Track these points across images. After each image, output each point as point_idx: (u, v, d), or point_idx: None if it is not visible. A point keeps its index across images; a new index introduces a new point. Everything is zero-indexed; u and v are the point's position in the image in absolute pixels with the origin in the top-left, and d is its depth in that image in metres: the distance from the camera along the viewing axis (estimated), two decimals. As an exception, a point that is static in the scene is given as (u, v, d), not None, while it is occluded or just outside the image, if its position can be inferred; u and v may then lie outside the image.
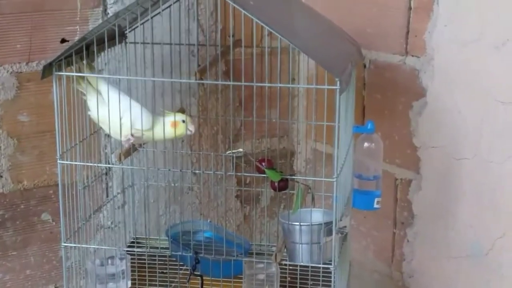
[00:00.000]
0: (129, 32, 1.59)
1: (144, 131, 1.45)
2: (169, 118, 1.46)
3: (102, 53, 1.54)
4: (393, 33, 1.80)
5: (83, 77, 1.45)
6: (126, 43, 1.62)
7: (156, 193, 1.85)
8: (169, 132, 1.45)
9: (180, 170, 1.48)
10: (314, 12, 1.64)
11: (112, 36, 1.46)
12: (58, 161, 1.45)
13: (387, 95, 1.85)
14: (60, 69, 1.41)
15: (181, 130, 1.46)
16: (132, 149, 1.48)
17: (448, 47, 1.68)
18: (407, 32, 1.77)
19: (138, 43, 1.60)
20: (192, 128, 1.46)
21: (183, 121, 1.46)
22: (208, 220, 1.79)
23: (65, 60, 1.41)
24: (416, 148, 1.79)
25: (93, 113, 1.47)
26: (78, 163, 1.48)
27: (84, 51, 1.43)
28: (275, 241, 1.66)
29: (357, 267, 1.93)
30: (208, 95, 1.88)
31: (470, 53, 1.63)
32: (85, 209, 1.53)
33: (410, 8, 1.75)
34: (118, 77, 1.53)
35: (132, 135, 1.44)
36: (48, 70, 1.39)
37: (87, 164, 1.50)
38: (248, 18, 1.30)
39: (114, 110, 1.44)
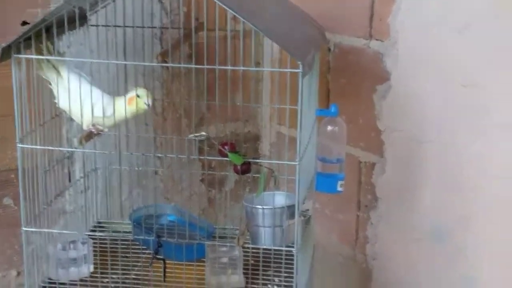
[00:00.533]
0: (91, 14, 1.57)
1: (106, 118, 1.43)
2: (129, 95, 1.44)
3: (64, 36, 1.52)
4: (357, 17, 1.80)
5: (45, 62, 1.43)
6: (88, 26, 1.60)
7: (120, 177, 1.84)
8: (127, 109, 1.43)
9: (142, 154, 1.47)
10: (278, -5, 1.64)
11: (73, 18, 1.44)
12: (18, 145, 1.43)
13: (351, 79, 1.86)
14: (19, 52, 1.39)
15: (137, 105, 1.43)
16: (93, 133, 1.47)
17: (412, 31, 1.69)
18: (371, 16, 1.77)
19: (99, 25, 1.58)
20: (148, 101, 1.43)
21: (138, 96, 1.43)
22: (173, 204, 1.79)
23: (25, 42, 1.39)
24: (380, 131, 1.80)
25: (60, 103, 1.46)
26: (39, 147, 1.46)
27: (44, 34, 1.41)
28: (240, 224, 1.66)
29: (321, 250, 1.94)
30: (172, 79, 1.86)
31: (433, 36, 1.64)
32: (46, 193, 1.51)
33: (374, -8, 1.76)
34: (80, 59, 1.52)
35: (93, 125, 1.43)
36: (6, 52, 1.37)
37: (48, 148, 1.49)
38: (212, 1, 1.29)
39: (75, 99, 1.42)
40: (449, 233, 1.68)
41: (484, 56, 1.55)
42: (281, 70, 1.36)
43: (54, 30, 1.40)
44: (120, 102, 1.44)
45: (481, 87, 1.57)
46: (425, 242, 1.74)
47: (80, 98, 1.41)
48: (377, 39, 1.77)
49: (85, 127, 1.43)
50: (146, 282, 1.51)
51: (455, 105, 1.63)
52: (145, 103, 1.43)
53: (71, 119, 1.74)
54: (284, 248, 1.46)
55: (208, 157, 1.48)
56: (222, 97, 1.56)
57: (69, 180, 1.76)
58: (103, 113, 1.42)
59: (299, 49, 1.39)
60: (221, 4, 1.28)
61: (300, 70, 1.30)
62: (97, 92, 1.44)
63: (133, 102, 1.43)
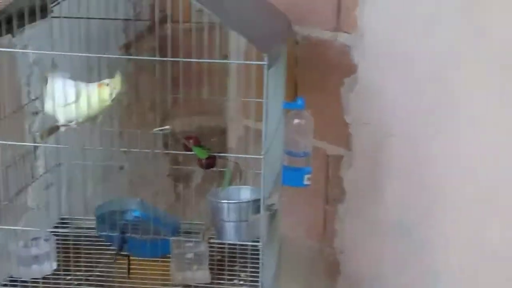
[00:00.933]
0: (54, 6, 1.54)
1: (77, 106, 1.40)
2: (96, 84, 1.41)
3: (26, 28, 1.49)
4: (324, 9, 1.79)
5: None
6: (50, 17, 1.57)
7: (84, 172, 1.81)
8: (96, 99, 1.40)
9: (106, 149, 1.44)
10: (243, -13, 1.62)
11: (34, 10, 1.41)
12: (-22, 140, 1.40)
13: (318, 72, 1.85)
14: (-22, 44, 1.35)
15: (107, 93, 1.41)
16: (55, 128, 1.44)
17: (379, 23, 1.68)
18: (339, 8, 1.76)
19: (62, 17, 1.55)
20: (119, 87, 1.41)
21: (107, 85, 1.41)
22: (138, 199, 1.76)
23: (-16, 34, 1.36)
24: (347, 124, 1.79)
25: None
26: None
27: (4, 26, 1.38)
28: (206, 220, 1.64)
29: (289, 244, 1.93)
30: (138, 72, 1.84)
31: (400, 29, 1.64)
32: (8, 189, 1.48)
33: (341, -16, 1.75)
34: (42, 52, 1.48)
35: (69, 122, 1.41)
36: (-35, 45, 1.34)
37: (8, 143, 1.45)
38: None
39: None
40: (414, 227, 1.68)
41: (450, 50, 1.55)
42: (246, 62, 1.35)
43: (14, 22, 1.37)
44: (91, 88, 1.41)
45: (448, 81, 1.57)
46: (391, 235, 1.74)
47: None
48: (344, 32, 1.76)
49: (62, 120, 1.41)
50: (110, 279, 1.49)
51: (421, 99, 1.63)
52: (114, 89, 1.40)
53: (34, 113, 1.72)
54: (249, 243, 1.45)
55: (172, 151, 1.47)
56: (188, 91, 1.54)
57: (32, 176, 1.73)
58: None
59: (265, 41, 1.38)
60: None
61: (265, 62, 1.29)
62: (69, 82, 1.42)
63: (104, 90, 1.41)
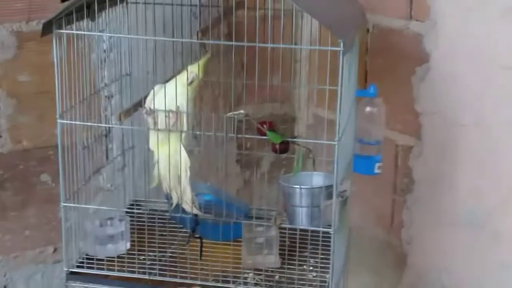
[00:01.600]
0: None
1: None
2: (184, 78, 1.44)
3: (104, 13, 1.52)
4: (397, -3, 1.78)
5: None
6: (127, 3, 1.60)
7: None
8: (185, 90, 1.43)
9: (181, 131, 1.46)
10: (318, -25, 1.62)
11: (113, -5, 1.44)
12: (58, 120, 1.44)
13: (390, 60, 1.84)
14: (60, 27, 1.39)
15: (193, 86, 1.44)
16: (132, 109, 1.47)
17: (452, 12, 1.66)
18: (412, -4, 1.75)
19: (139, 3, 1.58)
20: (195, 75, 1.44)
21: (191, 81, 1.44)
22: (208, 184, 1.79)
23: (66, 18, 1.40)
24: (418, 114, 1.78)
25: None
26: (78, 122, 1.47)
27: (85, 10, 1.41)
28: (275, 206, 1.66)
29: (357, 233, 1.92)
30: (210, 58, 1.85)
31: (474, 18, 1.61)
32: (84, 170, 1.52)
33: (415, -28, 1.73)
34: (119, 35, 1.52)
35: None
36: (48, 27, 1.38)
37: (87, 124, 1.49)
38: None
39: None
40: (486, 219, 1.66)
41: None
42: (322, 48, 1.35)
43: (95, 6, 1.40)
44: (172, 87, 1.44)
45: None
46: (461, 227, 1.72)
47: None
48: (417, 20, 1.74)
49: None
50: (182, 260, 1.51)
51: (494, 88, 1.60)
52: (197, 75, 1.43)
53: (110, 97, 1.75)
54: (321, 229, 1.45)
55: (246, 136, 1.48)
56: (260, 77, 1.55)
57: (107, 158, 1.77)
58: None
59: (340, 27, 1.37)
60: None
61: (341, 48, 1.29)
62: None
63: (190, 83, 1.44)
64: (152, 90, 1.47)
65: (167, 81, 1.49)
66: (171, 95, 1.42)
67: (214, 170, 1.94)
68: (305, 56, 2.03)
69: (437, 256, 1.79)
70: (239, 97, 1.82)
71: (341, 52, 1.29)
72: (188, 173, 1.48)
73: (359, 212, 1.95)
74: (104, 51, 1.78)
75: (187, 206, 1.50)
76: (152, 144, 1.48)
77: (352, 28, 1.43)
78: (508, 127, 1.58)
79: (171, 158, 1.46)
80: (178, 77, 1.45)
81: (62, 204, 1.48)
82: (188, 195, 1.48)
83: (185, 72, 1.44)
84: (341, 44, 1.28)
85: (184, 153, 1.47)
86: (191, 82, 1.44)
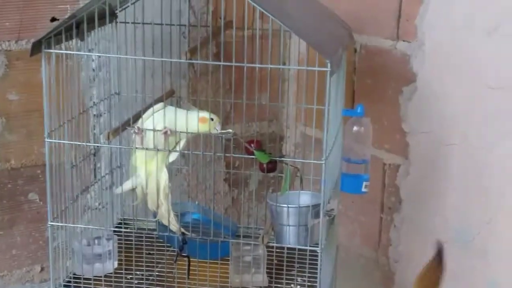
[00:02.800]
0: (120, 11, 1.58)
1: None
2: (200, 114, 1.46)
3: (93, 33, 1.53)
4: (384, 18, 1.80)
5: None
6: (117, 22, 1.61)
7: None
8: (200, 127, 1.45)
9: (169, 150, 1.47)
10: (306, -5, 1.64)
11: (102, 15, 1.45)
12: (46, 139, 1.44)
13: (377, 80, 1.85)
14: (49, 47, 1.40)
15: (207, 127, 1.46)
16: (121, 129, 1.48)
17: (439, 32, 1.68)
18: (399, 17, 1.77)
19: (128, 23, 1.59)
20: (218, 127, 1.47)
21: (212, 119, 1.46)
22: (196, 203, 1.79)
23: (55, 37, 1.40)
24: (405, 133, 1.79)
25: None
26: (66, 142, 1.47)
27: (74, 30, 1.42)
28: (263, 225, 1.66)
29: (344, 252, 1.93)
30: (198, 77, 1.87)
31: (461, 38, 1.63)
32: (72, 189, 1.52)
33: (402, -7, 1.75)
34: (107, 55, 1.52)
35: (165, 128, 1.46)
36: (37, 47, 1.38)
37: (75, 143, 1.50)
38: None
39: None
40: (473, 237, 1.67)
41: (512, 58, 1.54)
42: (309, 68, 1.36)
43: (85, 26, 1.41)
44: (191, 117, 1.46)
45: (509, 89, 1.56)
46: (448, 245, 1.72)
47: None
48: (404, 40, 1.76)
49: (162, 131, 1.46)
50: (170, 279, 1.51)
51: (481, 108, 1.62)
52: (216, 129, 1.46)
53: (99, 115, 1.76)
54: (308, 248, 1.46)
55: (234, 155, 1.48)
56: (248, 96, 1.56)
57: (95, 176, 1.77)
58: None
59: (328, 47, 1.39)
60: (250, 1, 1.28)
61: (328, 68, 1.30)
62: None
63: (206, 123, 1.46)
64: (154, 108, 1.48)
65: (157, 101, 1.51)
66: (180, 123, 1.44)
67: (203, 188, 1.94)
68: (293, 75, 2.04)
69: (425, 275, 1.80)
70: (227, 116, 1.83)
71: (328, 72, 1.30)
72: (169, 194, 1.49)
73: (346, 231, 1.96)
74: (93, 70, 1.79)
75: (171, 226, 1.50)
76: (138, 162, 1.48)
77: (340, 48, 1.45)
78: (493, 146, 1.60)
79: (155, 174, 1.47)
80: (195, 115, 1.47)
81: (49, 223, 1.47)
82: (168, 214, 1.49)
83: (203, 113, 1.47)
84: (328, 64, 1.30)
85: (165, 175, 1.48)
86: (206, 121, 1.47)
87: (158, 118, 1.46)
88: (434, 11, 1.68)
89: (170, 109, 1.48)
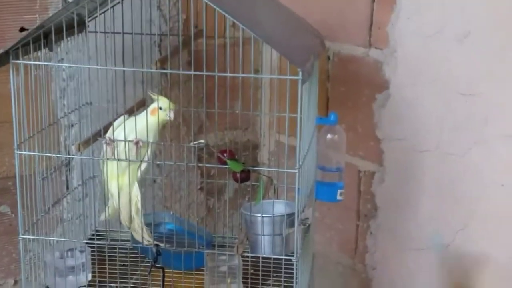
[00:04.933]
0: (90, 21, 1.56)
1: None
2: (151, 106, 1.44)
3: (62, 43, 1.52)
4: (356, 25, 1.80)
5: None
6: (86, 32, 1.60)
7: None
8: (150, 120, 1.43)
9: (141, 161, 1.46)
10: (277, 3, 1.63)
11: (71, 24, 1.43)
12: (16, 151, 1.42)
13: (350, 87, 1.85)
14: (17, 58, 1.38)
15: (159, 117, 1.44)
16: (92, 140, 1.46)
17: (411, 39, 1.69)
18: (371, 24, 1.77)
19: (98, 32, 1.57)
20: (172, 115, 1.44)
21: (161, 108, 1.44)
22: (171, 212, 1.78)
23: (23, 48, 1.39)
24: (379, 140, 1.79)
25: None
26: (36, 153, 1.45)
27: (42, 40, 1.40)
28: (239, 233, 1.65)
29: (321, 259, 1.93)
30: (171, 86, 1.86)
31: (432, 45, 1.64)
32: (44, 201, 1.50)
33: (373, 1, 1.75)
34: (77, 65, 1.51)
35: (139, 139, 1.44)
36: (4, 58, 1.37)
37: (45, 154, 1.48)
38: (211, 8, 1.29)
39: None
40: (448, 243, 1.67)
41: (483, 65, 1.55)
42: (280, 77, 1.36)
43: (53, 36, 1.39)
44: (141, 118, 1.44)
45: (480, 96, 1.56)
46: (423, 251, 1.73)
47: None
48: (376, 48, 1.76)
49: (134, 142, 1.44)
50: (144, 291, 1.50)
51: (453, 114, 1.62)
52: (167, 115, 1.43)
53: (70, 126, 1.74)
54: (283, 257, 1.45)
55: (206, 165, 1.48)
56: (221, 105, 1.55)
57: (67, 188, 1.75)
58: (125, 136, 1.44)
59: (299, 56, 1.38)
60: (220, 10, 1.28)
61: (299, 77, 1.29)
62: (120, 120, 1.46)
63: (155, 114, 1.43)
64: (119, 119, 1.46)
65: (129, 111, 1.49)
66: (142, 126, 1.42)
67: (177, 198, 1.93)
68: (266, 84, 2.04)
69: (401, 281, 1.80)
70: (201, 125, 1.82)
71: (300, 81, 1.30)
72: (140, 209, 1.47)
73: (323, 238, 1.96)
74: (64, 80, 1.77)
75: (145, 241, 1.49)
76: (110, 176, 1.47)
77: (311, 57, 1.44)
78: (465, 152, 1.60)
79: (127, 189, 1.45)
80: (148, 109, 1.44)
81: (21, 236, 1.45)
82: (141, 229, 1.48)
83: (154, 103, 1.44)
84: (300, 73, 1.29)
85: (136, 190, 1.47)
86: (155, 111, 1.43)
87: (119, 131, 1.44)
88: (405, 19, 1.68)
89: (130, 120, 1.46)
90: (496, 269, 1.59)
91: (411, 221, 1.75)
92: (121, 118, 1.47)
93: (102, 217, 1.54)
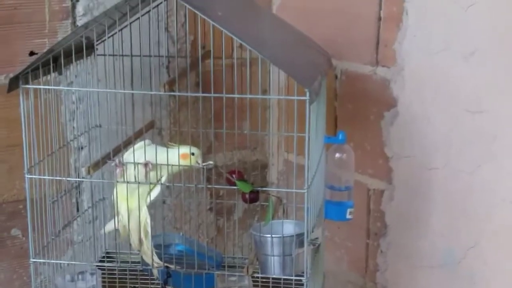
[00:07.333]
0: (99, 44, 1.58)
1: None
2: (181, 150, 1.46)
3: (71, 66, 1.53)
4: (363, 44, 1.80)
5: None
6: (95, 55, 1.61)
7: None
8: (182, 163, 1.45)
9: (150, 183, 1.46)
10: (283, 23, 1.64)
11: (80, 48, 1.45)
12: (26, 175, 1.43)
13: (358, 105, 1.85)
14: (27, 82, 1.39)
15: (189, 162, 1.46)
16: (101, 162, 1.47)
17: (417, 57, 1.69)
18: (377, 43, 1.77)
19: (106, 55, 1.59)
20: (200, 160, 1.46)
21: (193, 154, 1.46)
22: (181, 234, 1.78)
23: (32, 72, 1.40)
24: (388, 158, 1.79)
25: None
26: (47, 177, 1.46)
27: (52, 64, 1.42)
28: (249, 253, 1.65)
29: (332, 278, 1.92)
30: (179, 108, 1.87)
31: (439, 62, 1.64)
32: (54, 224, 1.51)
33: (379, 19, 1.76)
34: (85, 89, 1.52)
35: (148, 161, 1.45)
36: (14, 83, 1.38)
37: (55, 178, 1.48)
38: (218, 29, 1.30)
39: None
40: (459, 260, 1.66)
41: (490, 82, 1.55)
42: (287, 97, 1.37)
43: (62, 60, 1.40)
44: (172, 154, 1.46)
45: (488, 112, 1.56)
46: (434, 269, 1.72)
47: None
48: (383, 66, 1.77)
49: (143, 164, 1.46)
50: (155, 313, 1.50)
51: (462, 131, 1.62)
52: (197, 162, 1.46)
53: (80, 148, 1.75)
54: (293, 277, 1.45)
55: (215, 186, 1.48)
56: (230, 125, 1.56)
57: (77, 210, 1.76)
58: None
59: (306, 76, 1.39)
60: (227, 32, 1.29)
61: (307, 97, 1.30)
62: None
63: (188, 159, 1.45)
64: (139, 143, 1.48)
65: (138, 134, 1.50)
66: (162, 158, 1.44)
67: (187, 219, 1.93)
68: (274, 103, 2.04)
69: (413, 300, 1.79)
70: (209, 145, 1.82)
71: (307, 101, 1.30)
72: (149, 232, 1.48)
73: (333, 257, 1.95)
74: (73, 102, 1.78)
75: (155, 264, 1.49)
76: (119, 198, 1.47)
77: (318, 76, 1.45)
78: (475, 169, 1.60)
79: (136, 212, 1.46)
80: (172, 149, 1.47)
81: (32, 260, 1.46)
82: (151, 252, 1.48)
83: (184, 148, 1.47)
84: (307, 93, 1.30)
85: (145, 213, 1.47)
86: (187, 156, 1.46)
87: (138, 155, 1.45)
88: (412, 37, 1.69)
89: (151, 147, 1.47)
90: (507, 286, 1.57)
91: (421, 238, 1.74)
92: (138, 145, 1.48)
93: (107, 228, 1.53)
